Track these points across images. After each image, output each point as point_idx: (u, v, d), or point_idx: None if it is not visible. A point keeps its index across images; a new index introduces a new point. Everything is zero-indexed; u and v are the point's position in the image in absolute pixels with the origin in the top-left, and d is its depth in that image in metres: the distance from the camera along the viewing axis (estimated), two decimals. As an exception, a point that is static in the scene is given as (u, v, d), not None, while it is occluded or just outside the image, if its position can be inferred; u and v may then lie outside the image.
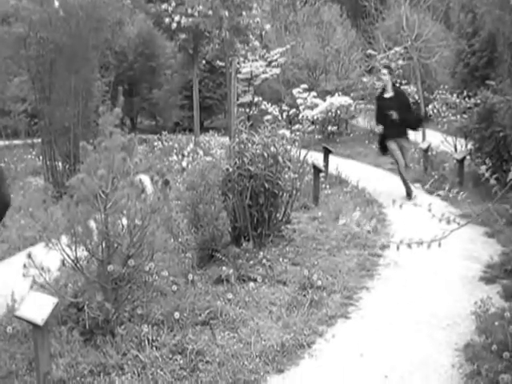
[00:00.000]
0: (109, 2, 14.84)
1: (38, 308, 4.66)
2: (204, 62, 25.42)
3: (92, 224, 5.60)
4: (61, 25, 13.74)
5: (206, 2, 17.27)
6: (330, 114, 21.83)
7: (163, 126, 23.42)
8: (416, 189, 12.04)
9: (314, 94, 22.41)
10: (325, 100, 21.83)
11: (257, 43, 21.45)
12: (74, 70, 13.58)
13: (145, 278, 6.03)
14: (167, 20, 18.81)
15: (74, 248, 5.57)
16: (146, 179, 6.08)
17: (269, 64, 26.19)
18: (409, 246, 3.84)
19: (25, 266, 5.44)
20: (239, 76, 24.51)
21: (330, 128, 21.98)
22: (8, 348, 5.53)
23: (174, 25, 18.28)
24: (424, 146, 14.15)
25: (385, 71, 12.37)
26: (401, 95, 12.33)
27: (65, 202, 5.65)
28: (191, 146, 16.91)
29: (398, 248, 3.88)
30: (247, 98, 25.64)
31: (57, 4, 14.66)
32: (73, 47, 13.52)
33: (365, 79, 23.32)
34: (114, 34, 18.50)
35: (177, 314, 5.65)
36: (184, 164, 13.54)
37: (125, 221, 5.69)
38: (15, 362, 5.16)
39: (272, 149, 8.42)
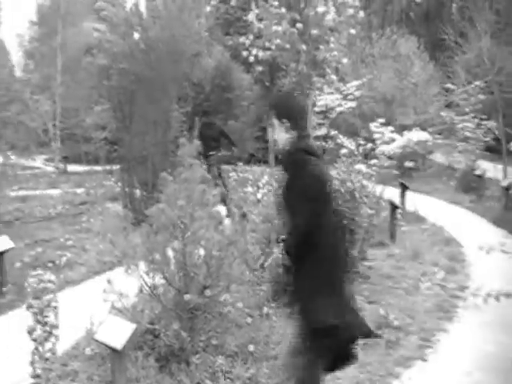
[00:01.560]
0: (188, 36, 15.28)
1: (117, 333, 4.76)
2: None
3: (170, 253, 5.71)
4: (142, 57, 14.26)
5: (283, 36, 17.45)
6: (407, 149, 21.55)
7: (238, 156, 23.73)
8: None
9: (391, 128, 22.20)
10: (402, 135, 21.57)
11: (333, 76, 21.50)
12: (154, 101, 14.01)
13: (220, 308, 6.06)
14: (245, 53, 19.14)
15: (151, 275, 5.69)
16: (223, 211, 6.15)
17: (345, 97, 26.17)
18: (496, 298, 3.70)
19: (104, 290, 5.61)
20: (315, 109, 24.61)
21: (407, 163, 21.67)
22: (86, 369, 5.67)
23: (252, 58, 18.54)
24: (505, 183, 13.72)
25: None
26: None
27: (144, 230, 5.80)
28: (266, 177, 16.95)
29: (484, 301, 3.74)
30: (322, 131, 25.67)
31: (136, 37, 15.24)
32: (153, 79, 13.98)
33: (443, 114, 22.92)
34: (192, 67, 18.99)
35: (251, 347, 5.64)
36: (259, 196, 13.56)
37: (202, 251, 5.76)
38: (93, 384, 5.28)
39: (349, 184, 8.36)
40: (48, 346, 3.39)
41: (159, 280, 5.76)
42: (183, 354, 5.52)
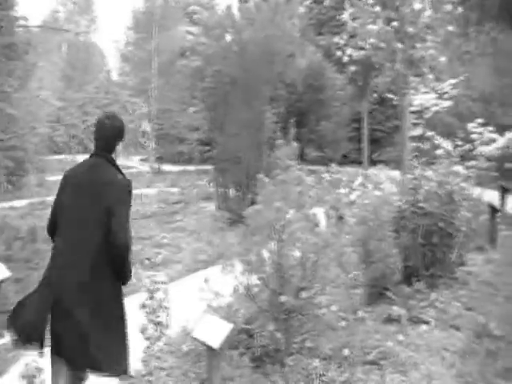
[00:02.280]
0: (281, 37, 15.33)
1: (214, 331, 4.83)
2: (375, 94, 25.30)
3: (265, 254, 5.73)
4: (235, 59, 14.42)
5: (378, 35, 17.20)
6: (508, 150, 20.66)
7: (331, 157, 23.60)
8: None
9: (490, 128, 21.37)
10: (502, 135, 20.70)
11: (430, 75, 20.95)
12: (247, 102, 14.13)
13: (315, 311, 6.02)
14: (338, 53, 19.01)
15: (247, 275, 5.74)
16: (319, 213, 6.12)
17: (440, 96, 25.45)
18: None
19: (201, 289, 5.71)
20: (410, 108, 24.10)
21: (507, 165, 20.77)
22: (181, 365, 5.79)
23: (346, 58, 18.43)
24: None
25: None
26: None
27: (241, 230, 5.85)
28: (360, 179, 16.77)
29: None
30: (418, 132, 25.07)
31: (229, 39, 15.43)
32: (246, 80, 14.11)
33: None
34: (285, 67, 19.03)
35: (346, 351, 5.58)
36: (352, 197, 13.42)
37: (297, 253, 5.75)
38: (188, 380, 5.37)
39: (447, 186, 8.11)
40: (160, 344, 3.48)
41: (254, 280, 5.79)
42: (278, 355, 5.53)
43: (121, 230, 3.93)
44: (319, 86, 25.86)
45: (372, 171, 19.52)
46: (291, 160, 5.96)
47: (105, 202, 4.00)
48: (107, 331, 4.00)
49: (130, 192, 4.15)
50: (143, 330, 3.45)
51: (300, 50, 26.36)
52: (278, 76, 16.97)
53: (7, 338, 7.21)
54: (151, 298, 3.47)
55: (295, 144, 6.07)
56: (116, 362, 4.06)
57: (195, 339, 5.06)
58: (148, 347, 3.44)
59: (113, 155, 4.26)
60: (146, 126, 29.16)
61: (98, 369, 3.96)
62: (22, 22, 15.79)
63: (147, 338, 3.42)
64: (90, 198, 4.09)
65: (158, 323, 3.45)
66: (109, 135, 4.22)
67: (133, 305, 8.22)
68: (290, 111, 23.35)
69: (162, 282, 3.52)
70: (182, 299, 7.93)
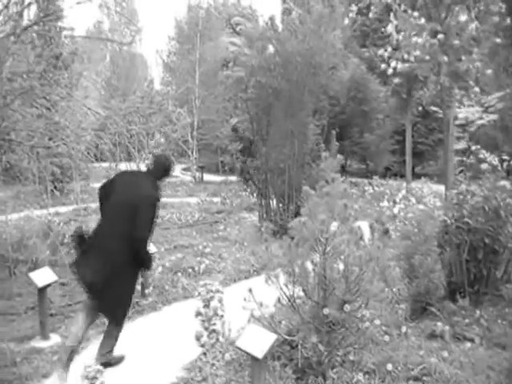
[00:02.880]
0: (325, 48, 15.34)
1: (257, 341, 4.86)
2: (419, 107, 25.08)
3: (309, 266, 5.75)
4: (279, 70, 14.48)
5: (423, 48, 17.06)
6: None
7: (373, 170, 23.45)
8: None
9: (539, 142, 20.96)
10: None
11: (476, 88, 20.67)
12: (291, 114, 14.16)
13: (358, 324, 6.01)
14: (383, 66, 18.88)
15: (290, 287, 5.77)
16: (364, 226, 6.11)
17: (486, 109, 25.07)
18: None
19: (244, 299, 5.74)
20: (455, 122, 23.79)
21: (556, 180, 20.25)
22: (224, 374, 5.83)
23: (390, 70, 18.28)
24: None
25: None
26: None
27: (285, 242, 5.87)
28: (403, 192, 16.65)
29: None
30: (462, 145, 24.74)
31: (272, 50, 15.50)
32: (290, 91, 14.14)
33: None
34: (328, 79, 19.03)
35: (389, 366, 5.54)
36: (395, 211, 13.35)
37: (341, 266, 5.75)
38: (230, 389, 5.43)
39: (493, 201, 7.98)
40: (214, 352, 3.53)
41: (298, 292, 5.81)
42: (320, 367, 5.53)
43: (141, 227, 5.58)
44: (362, 98, 25.74)
45: (415, 185, 19.38)
46: (336, 172, 5.97)
47: (137, 204, 5.64)
48: (117, 292, 5.77)
49: (155, 204, 5.82)
50: (198, 337, 3.50)
51: (343, 61, 26.31)
52: (321, 88, 16.97)
53: (53, 341, 7.41)
54: (206, 306, 3.52)
55: (340, 156, 6.07)
56: (113, 315, 6.13)
57: (239, 349, 5.10)
58: (204, 353, 3.49)
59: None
60: (189, 136, 29.46)
61: (102, 311, 6.14)
62: (68, 33, 16.15)
63: (202, 345, 3.47)
64: (129, 198, 5.78)
65: (213, 331, 3.50)
66: (160, 169, 6.19)
67: (183, 310, 8.38)
68: (333, 123, 23.30)
69: (217, 291, 3.58)
70: (225, 308, 8.00)
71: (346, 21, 31.37)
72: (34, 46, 10.64)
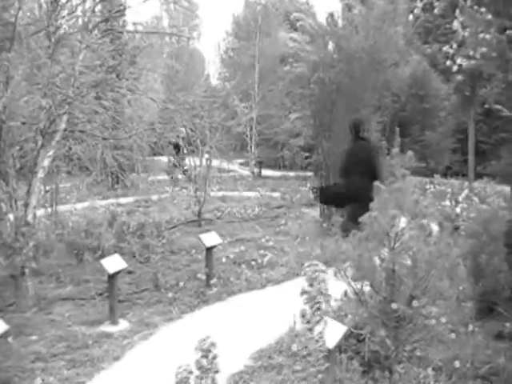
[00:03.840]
0: (387, 45, 15.22)
1: (328, 332, 4.94)
2: (482, 105, 24.54)
3: (377, 261, 5.79)
4: (340, 66, 14.45)
5: (490, 44, 16.70)
6: None
7: (434, 168, 23.11)
8: None
9: None
10: None
11: (548, 86, 20.08)
12: (352, 110, 14.11)
13: (425, 321, 6.01)
14: (448, 62, 18.56)
15: (358, 281, 5.82)
16: (432, 223, 6.09)
17: (554, 109, 24.30)
18: None
19: (304, 292, 5.82)
20: (520, 121, 23.19)
21: None
22: (290, 364, 5.95)
23: (455, 67, 17.96)
24: None
25: None
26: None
27: (356, 236, 5.93)
28: (466, 191, 16.38)
29: None
30: (528, 143, 24.10)
31: (333, 46, 15.48)
32: (352, 88, 14.09)
33: None
34: (391, 76, 18.86)
35: (457, 363, 5.54)
36: (458, 210, 13.16)
37: (409, 262, 5.76)
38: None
39: None
40: (318, 329, 3.65)
41: (365, 286, 5.86)
42: (387, 361, 5.56)
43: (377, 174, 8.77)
44: (424, 95, 25.37)
45: (477, 184, 19.03)
46: (408, 169, 5.98)
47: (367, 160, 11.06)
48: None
49: (376, 152, 11.19)
50: (303, 315, 3.63)
51: (404, 58, 25.98)
52: (383, 85, 16.85)
53: (121, 326, 7.69)
54: (311, 285, 3.64)
55: (411, 153, 6.08)
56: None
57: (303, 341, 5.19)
58: (309, 329, 3.62)
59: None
60: (248, 131, 29.64)
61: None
62: (130, 28, 16.53)
63: (307, 322, 3.60)
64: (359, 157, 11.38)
65: (318, 309, 3.61)
66: (358, 129, 12.15)
67: (248, 301, 8.56)
68: (393, 120, 23.08)
69: (322, 271, 3.69)
70: (288, 300, 8.11)
71: (410, 17, 30.91)
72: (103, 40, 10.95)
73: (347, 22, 16.76)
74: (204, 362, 3.12)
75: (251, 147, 29.58)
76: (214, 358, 3.19)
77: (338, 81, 14.41)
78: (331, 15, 19.08)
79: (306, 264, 3.76)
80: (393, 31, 16.22)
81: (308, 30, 19.60)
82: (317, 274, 3.63)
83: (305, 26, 21.41)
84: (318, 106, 15.11)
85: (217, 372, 3.18)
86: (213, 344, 3.18)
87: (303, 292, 3.69)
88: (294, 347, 6.14)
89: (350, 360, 5.69)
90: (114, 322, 7.83)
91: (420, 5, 26.17)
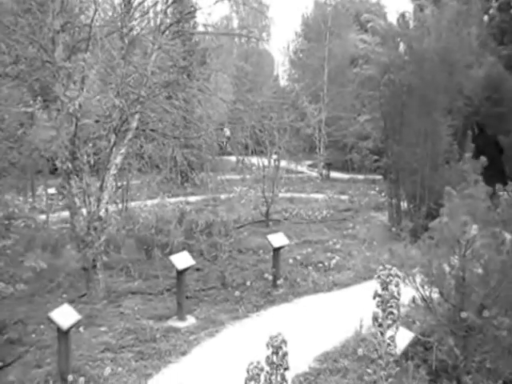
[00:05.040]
0: (460, 46, 14.87)
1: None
2: None
3: (446, 268, 5.68)
4: (412, 68, 14.20)
5: None
6: None
7: (509, 175, 22.30)
8: None
9: None
10: None
11: None
12: (424, 112, 13.84)
13: (496, 332, 5.86)
14: (526, 64, 17.97)
15: (427, 288, 5.74)
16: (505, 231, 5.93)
17: None
18: None
19: (377, 295, 5.77)
20: None
21: None
22: (356, 369, 5.93)
23: (535, 69, 17.38)
24: None
25: None
26: None
27: (425, 242, 5.84)
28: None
29: None
30: None
31: (404, 47, 15.22)
32: (423, 90, 13.82)
33: None
34: (463, 78, 18.38)
35: (529, 378, 5.37)
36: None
37: (480, 270, 5.63)
38: (363, 384, 5.49)
39: None
40: (390, 333, 3.65)
41: (434, 293, 5.77)
42: (455, 371, 5.47)
43: None
44: (498, 98, 24.53)
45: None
46: (478, 174, 5.85)
47: None
48: None
49: None
50: (376, 318, 3.63)
51: (478, 60, 25.23)
52: (456, 87, 16.45)
53: (189, 322, 7.83)
54: (385, 288, 3.64)
55: (484, 159, 5.93)
56: None
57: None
58: (381, 333, 3.62)
59: None
60: (316, 133, 29.48)
61: None
62: (201, 29, 16.75)
63: (379, 325, 3.60)
64: None
65: (391, 313, 3.61)
66: None
67: (314, 303, 8.56)
68: (466, 124, 22.45)
69: (397, 275, 3.68)
70: (354, 305, 8.08)
71: (485, 17, 30.05)
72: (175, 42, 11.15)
73: (419, 23, 16.48)
74: (274, 358, 3.16)
75: (320, 149, 29.39)
76: (285, 354, 3.23)
77: (409, 83, 14.17)
78: (402, 16, 18.78)
79: (380, 267, 3.74)
80: (466, 32, 15.84)
81: (378, 32, 19.39)
82: (390, 278, 3.61)
83: (375, 27, 21.19)
84: (387, 109, 14.91)
85: (287, 369, 3.22)
86: (284, 341, 3.22)
87: (376, 295, 3.68)
88: (360, 351, 6.15)
89: (417, 368, 5.60)
90: (182, 318, 7.99)
91: (495, 5, 25.46)
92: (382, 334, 3.65)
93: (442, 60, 14.03)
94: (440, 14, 14.92)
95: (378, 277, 3.68)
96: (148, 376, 6.20)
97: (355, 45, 30.21)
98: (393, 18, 31.50)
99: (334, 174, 28.76)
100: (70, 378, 5.86)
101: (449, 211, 5.76)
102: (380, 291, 3.65)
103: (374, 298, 3.70)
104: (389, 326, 3.62)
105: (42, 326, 7.58)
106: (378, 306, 3.71)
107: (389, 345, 3.66)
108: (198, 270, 10.34)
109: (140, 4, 10.09)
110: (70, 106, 8.37)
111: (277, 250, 9.44)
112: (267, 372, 3.10)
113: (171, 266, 8.28)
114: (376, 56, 17.00)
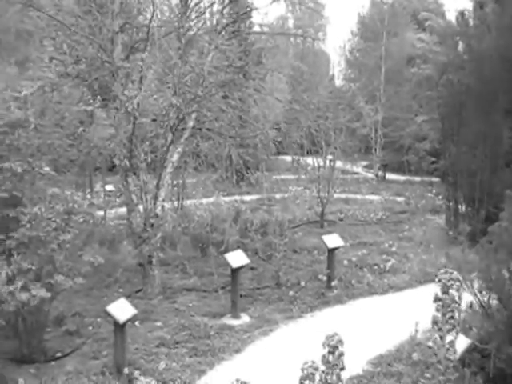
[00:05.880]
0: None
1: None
2: None
3: (505, 273, 5.53)
4: (471, 67, 13.85)
5: None
6: None
7: None
8: None
9: None
10: None
11: None
12: (484, 113, 13.48)
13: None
14: None
15: (485, 293, 5.60)
16: None
17: None
18: None
19: (437, 299, 5.66)
20: None
21: None
22: (411, 373, 5.83)
23: None
24: None
25: None
26: None
27: (484, 247, 5.71)
28: None
29: None
30: None
31: (461, 46, 14.86)
32: (482, 90, 13.46)
33: None
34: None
35: None
36: None
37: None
38: (417, 390, 5.39)
39: None
40: (449, 338, 3.59)
41: (492, 299, 5.63)
42: (513, 379, 5.31)
43: None
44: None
45: None
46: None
47: None
48: None
49: None
50: (436, 322, 3.58)
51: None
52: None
53: (242, 320, 7.88)
54: (445, 292, 3.58)
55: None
56: None
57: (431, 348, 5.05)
58: (440, 337, 3.57)
59: None
60: (372, 134, 29.15)
61: None
62: (256, 29, 16.76)
63: (439, 329, 3.55)
64: None
65: (451, 317, 3.55)
66: None
67: (369, 305, 8.49)
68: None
69: (458, 280, 3.62)
70: (410, 309, 7.97)
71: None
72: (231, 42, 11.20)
73: (479, 21, 16.08)
74: (330, 357, 3.14)
75: (376, 150, 29.07)
76: (341, 354, 3.20)
77: (468, 83, 13.82)
78: (462, 14, 18.39)
79: (441, 271, 3.67)
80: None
81: (437, 30, 19.01)
82: (451, 282, 3.53)
83: (433, 26, 20.80)
84: (446, 109, 14.60)
85: (342, 369, 3.19)
86: (340, 341, 3.20)
87: (436, 299, 3.60)
88: (415, 356, 6.04)
89: (474, 375, 5.46)
90: (236, 316, 8.04)
91: None
92: (441, 338, 3.57)
93: (503, 59, 13.62)
94: (502, 11, 14.51)
95: (439, 280, 3.60)
96: (202, 372, 6.27)
97: (412, 44, 29.78)
98: (452, 17, 30.93)
99: (389, 176, 28.41)
100: (126, 370, 5.99)
101: (509, 215, 5.63)
102: (440, 295, 3.57)
103: (435, 301, 3.62)
104: (448, 331, 3.54)
105: (98, 319, 7.80)
106: (437, 310, 3.63)
107: (448, 350, 3.58)
108: (252, 268, 10.39)
109: (196, 5, 10.20)
110: (128, 104, 8.52)
111: (332, 251, 9.38)
112: (323, 371, 3.08)
113: (226, 264, 8.36)
114: (434, 55, 16.73)
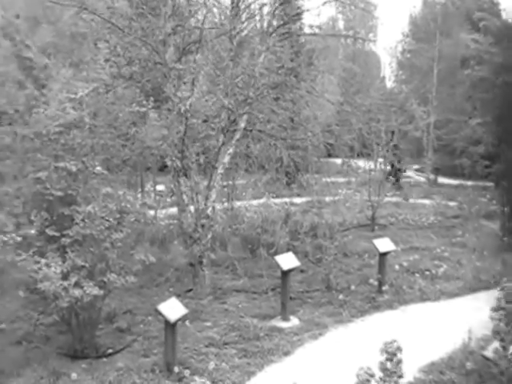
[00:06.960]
0: None
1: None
2: None
3: None
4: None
5: None
6: None
7: None
8: None
9: None
10: None
11: None
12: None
13: None
14: None
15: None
16: None
17: None
18: None
19: (500, 308, 5.50)
20: None
21: None
22: (464, 383, 5.67)
23: None
24: None
25: None
26: None
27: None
28: None
29: None
30: None
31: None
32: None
33: None
34: None
35: None
36: None
37: None
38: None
39: None
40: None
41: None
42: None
43: None
44: None
45: None
46: None
47: None
48: None
49: None
50: (497, 332, 3.50)
51: None
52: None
53: (292, 323, 7.83)
54: (509, 302, 3.49)
55: None
56: None
57: (486, 359, 4.93)
58: (504, 348, 3.48)
59: None
60: (424, 136, 28.71)
61: None
62: (307, 31, 16.67)
63: (501, 340, 3.46)
64: None
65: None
66: None
67: (420, 312, 8.33)
68: None
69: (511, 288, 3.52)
70: (462, 316, 7.79)
71: None
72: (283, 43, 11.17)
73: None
74: (388, 364, 3.08)
75: (428, 153, 28.63)
76: (399, 362, 3.14)
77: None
78: (517, 12, 17.91)
79: (505, 279, 3.56)
80: None
81: (492, 31, 18.53)
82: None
83: (488, 26, 20.27)
84: (501, 112, 14.21)
85: (401, 377, 3.13)
86: (399, 348, 3.14)
87: (499, 308, 3.50)
88: (469, 365, 5.88)
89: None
90: (285, 318, 8.00)
91: None
92: (504, 348, 3.46)
93: None
94: None
95: (502, 289, 3.49)
96: (251, 374, 6.25)
97: (466, 45, 29.12)
98: (508, 16, 30.14)
99: (442, 180, 27.89)
100: (176, 369, 6.05)
101: None
102: (504, 304, 3.46)
103: (496, 310, 3.51)
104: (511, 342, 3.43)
105: (149, 318, 7.89)
106: (499, 320, 3.52)
107: (510, 361, 3.47)
108: (302, 271, 10.34)
109: (247, 7, 10.23)
110: (180, 106, 8.61)
111: (383, 255, 9.25)
112: (380, 378, 3.02)
113: (276, 266, 8.32)
114: (489, 56, 16.27)
